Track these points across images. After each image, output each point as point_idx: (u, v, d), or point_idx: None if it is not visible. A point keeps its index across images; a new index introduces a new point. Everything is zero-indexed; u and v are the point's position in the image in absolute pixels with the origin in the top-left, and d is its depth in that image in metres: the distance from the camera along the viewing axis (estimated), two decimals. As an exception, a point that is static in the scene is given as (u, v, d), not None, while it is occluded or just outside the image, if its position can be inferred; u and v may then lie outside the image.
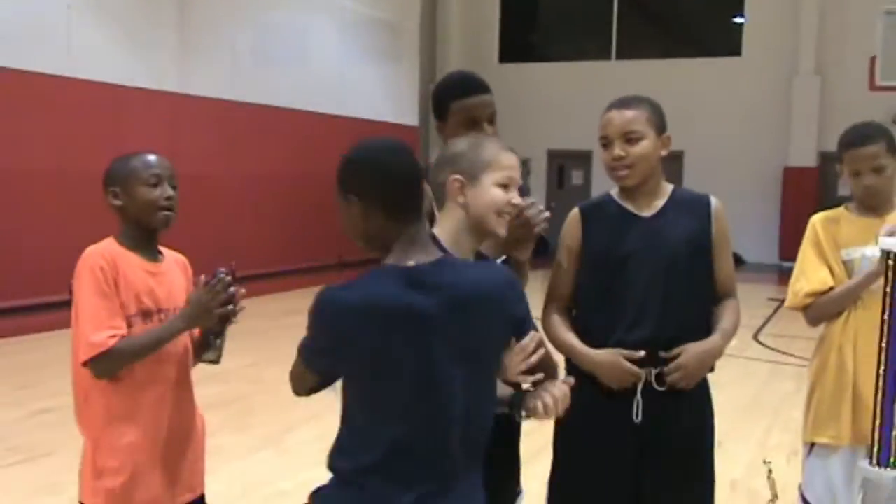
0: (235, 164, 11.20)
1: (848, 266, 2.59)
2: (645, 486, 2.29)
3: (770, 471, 2.51)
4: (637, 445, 2.26)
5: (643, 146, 2.27)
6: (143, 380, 2.15)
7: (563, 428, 2.35)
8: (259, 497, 4.24)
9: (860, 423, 2.53)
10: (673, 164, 16.10)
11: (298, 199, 12.17)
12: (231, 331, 2.30)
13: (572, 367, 2.33)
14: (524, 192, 2.08)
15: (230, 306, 2.16)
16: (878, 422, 1.73)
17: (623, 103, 2.33)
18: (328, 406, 6.32)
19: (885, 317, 1.63)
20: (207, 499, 2.39)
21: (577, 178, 16.84)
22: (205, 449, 2.40)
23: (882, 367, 1.69)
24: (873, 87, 11.62)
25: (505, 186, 1.92)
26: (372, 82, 14.14)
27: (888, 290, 1.63)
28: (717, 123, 15.80)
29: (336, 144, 14.60)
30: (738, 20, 16.13)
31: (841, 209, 2.74)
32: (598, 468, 2.31)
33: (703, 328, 2.28)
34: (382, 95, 14.15)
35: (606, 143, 2.30)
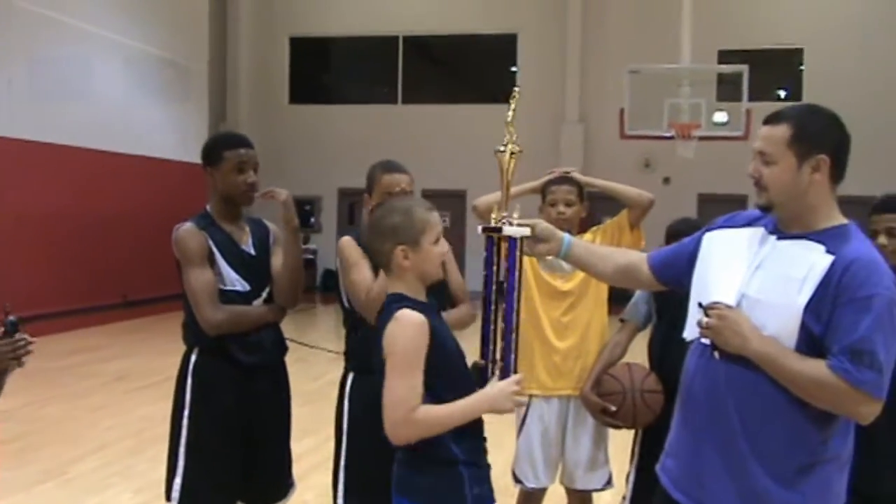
0: (12, 202, 10.88)
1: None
2: None
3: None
4: None
5: None
6: None
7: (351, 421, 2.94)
8: (42, 525, 4.40)
9: (543, 376, 3.41)
10: (457, 203, 17.12)
11: (81, 238, 11.94)
12: (18, 372, 2.53)
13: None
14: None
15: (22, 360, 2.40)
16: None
17: (399, 168, 3.07)
18: (116, 438, 6.55)
19: (504, 283, 2.34)
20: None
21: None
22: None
23: (503, 322, 2.35)
24: (623, 135, 13.10)
25: (437, 241, 2.27)
26: (160, 121, 14.11)
27: (495, 266, 2.35)
28: (496, 164, 16.97)
29: (122, 182, 14.51)
30: (513, 69, 17.48)
31: None
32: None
33: None
34: (171, 134, 14.14)
35: (389, 193, 2.98)
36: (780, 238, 2.13)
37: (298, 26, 17.95)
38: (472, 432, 2.25)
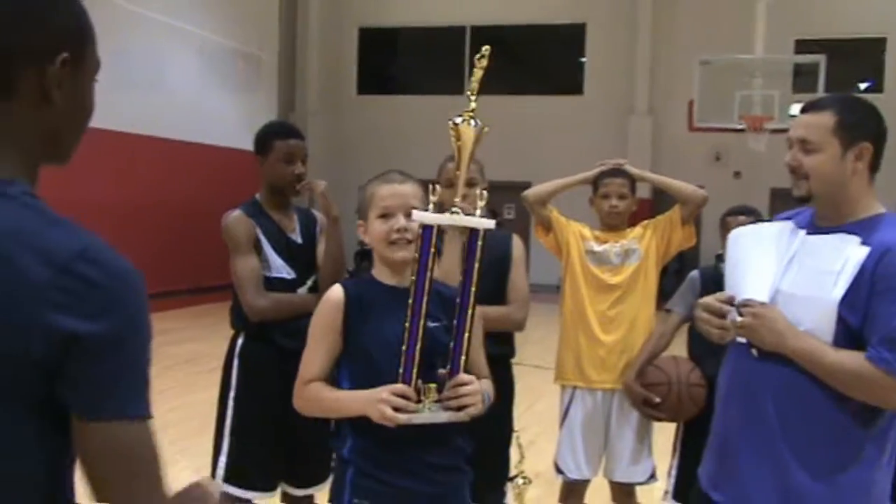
0: (90, 190, 11.27)
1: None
2: None
3: (518, 437, 3.17)
4: None
5: (478, 190, 2.95)
6: None
7: None
8: None
9: (587, 369, 3.43)
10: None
11: (155, 225, 12.30)
12: None
13: None
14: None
15: None
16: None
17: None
18: (176, 419, 6.74)
19: (413, 278, 1.95)
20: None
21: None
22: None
23: (407, 322, 1.95)
24: (692, 128, 12.89)
25: (385, 217, 2.06)
26: (230, 111, 14.41)
27: (417, 255, 1.95)
28: (562, 156, 16.81)
29: (193, 171, 14.86)
30: (580, 61, 17.34)
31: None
32: None
33: None
34: (241, 124, 14.42)
35: (451, 184, 2.95)
36: (811, 233, 2.12)
37: (367, 17, 18.10)
38: (373, 436, 1.99)
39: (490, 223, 2.00)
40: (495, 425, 3.10)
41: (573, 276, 3.50)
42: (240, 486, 3.02)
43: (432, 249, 1.94)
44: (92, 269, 0.98)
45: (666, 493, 3.34)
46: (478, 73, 1.99)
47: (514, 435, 3.19)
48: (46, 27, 1.09)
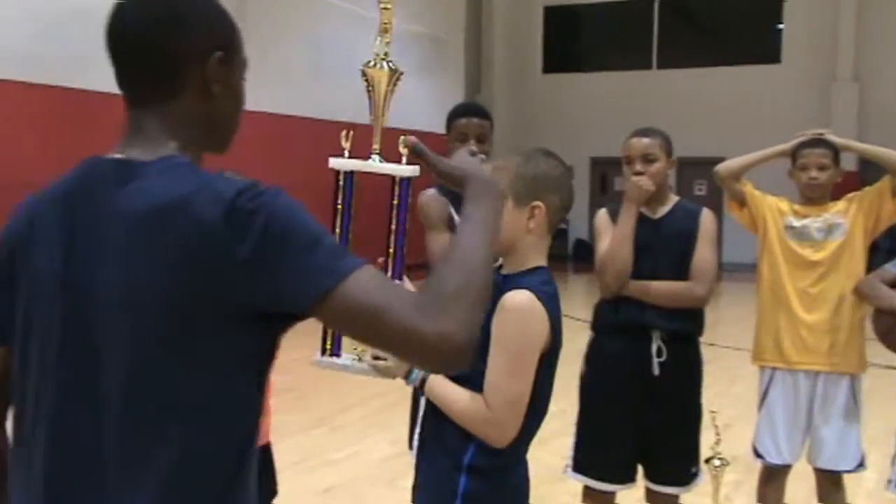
0: (292, 175, 11.94)
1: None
2: (650, 424, 3.02)
3: (714, 417, 3.09)
4: (647, 393, 3.01)
5: (657, 166, 3.03)
6: None
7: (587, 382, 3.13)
8: (311, 465, 4.90)
9: (788, 349, 3.30)
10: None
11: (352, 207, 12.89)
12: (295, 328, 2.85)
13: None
14: None
15: None
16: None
17: (643, 132, 3.09)
18: (375, 393, 7.09)
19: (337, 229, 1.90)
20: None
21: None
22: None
23: None
24: (904, 93, 11.94)
25: None
26: (420, 94, 14.77)
27: (339, 204, 1.93)
28: (758, 129, 16.02)
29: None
30: (777, 27, 16.44)
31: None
32: (615, 413, 3.03)
33: None
34: (429, 107, 14.76)
35: (629, 161, 3.06)
36: None
37: (552, -5, 18.01)
38: None
39: (412, 170, 1.79)
40: (682, 404, 3.07)
41: (771, 252, 3.36)
42: None
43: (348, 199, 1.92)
44: (249, 201, 1.14)
45: (889, 482, 3.09)
46: (387, 14, 1.83)
47: (711, 416, 3.12)
48: (206, 29, 1.26)
